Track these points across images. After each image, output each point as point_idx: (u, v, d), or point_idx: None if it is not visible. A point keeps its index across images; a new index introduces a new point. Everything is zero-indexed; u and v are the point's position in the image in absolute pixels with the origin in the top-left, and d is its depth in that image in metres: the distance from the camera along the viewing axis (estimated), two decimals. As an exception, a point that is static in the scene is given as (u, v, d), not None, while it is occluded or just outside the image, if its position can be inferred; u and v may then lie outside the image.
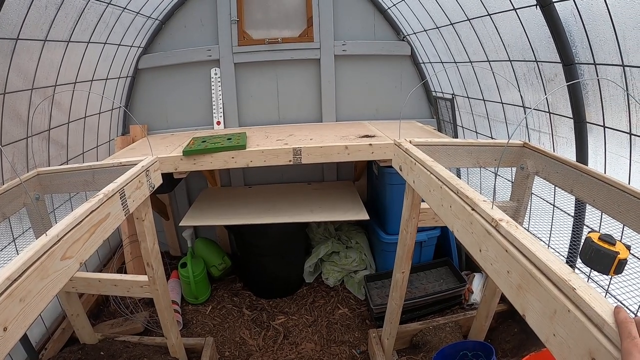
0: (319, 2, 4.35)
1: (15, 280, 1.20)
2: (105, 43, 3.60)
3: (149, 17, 4.04)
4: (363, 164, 4.51)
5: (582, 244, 1.42)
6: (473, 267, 4.07)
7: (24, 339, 2.86)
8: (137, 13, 3.76)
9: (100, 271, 4.09)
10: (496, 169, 2.89)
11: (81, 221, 1.60)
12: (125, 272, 4.08)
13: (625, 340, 0.85)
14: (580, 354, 0.95)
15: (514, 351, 3.11)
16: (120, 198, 1.99)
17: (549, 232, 2.93)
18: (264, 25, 4.48)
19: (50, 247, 1.39)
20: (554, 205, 2.84)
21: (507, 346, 3.19)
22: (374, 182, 4.43)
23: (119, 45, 3.86)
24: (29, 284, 1.25)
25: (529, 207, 2.57)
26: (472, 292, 3.73)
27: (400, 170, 2.38)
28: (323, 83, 4.57)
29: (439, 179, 1.77)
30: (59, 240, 1.44)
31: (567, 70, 2.36)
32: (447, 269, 4.02)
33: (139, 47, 4.32)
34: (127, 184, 2.08)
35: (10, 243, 2.81)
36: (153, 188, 2.47)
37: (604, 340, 0.89)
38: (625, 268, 1.37)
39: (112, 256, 4.37)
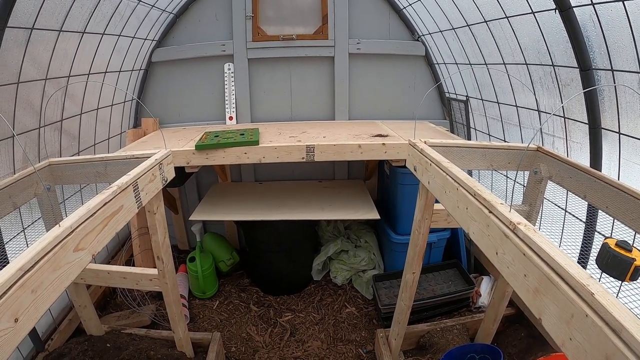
0: (335, 0, 4.34)
1: (28, 271, 1.19)
2: (119, 35, 3.62)
3: (163, 10, 4.05)
4: (374, 163, 4.50)
5: (599, 249, 1.41)
6: (481, 269, 4.06)
7: (31, 329, 2.87)
8: (152, 6, 3.77)
9: (109, 263, 4.11)
10: (516, 172, 2.88)
11: (95, 213, 1.60)
12: (134, 265, 4.09)
13: None
14: (597, 358, 0.94)
15: (521, 355, 3.10)
16: (134, 191, 2.00)
17: (560, 238, 2.92)
18: (279, 21, 4.49)
19: (64, 239, 1.39)
20: (565, 210, 2.83)
21: (514, 350, 3.17)
22: (385, 182, 4.42)
23: (133, 37, 3.87)
24: (41, 275, 1.25)
25: (540, 211, 2.56)
26: (480, 295, 3.71)
27: (415, 170, 2.37)
28: (336, 81, 4.57)
29: (455, 181, 1.76)
30: (72, 232, 1.44)
31: (584, 75, 2.34)
32: (455, 271, 4.00)
33: (153, 40, 4.33)
34: (140, 176, 2.08)
35: (20, 233, 2.82)
36: (166, 181, 2.47)
37: (622, 346, 0.88)
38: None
39: (121, 248, 4.38)
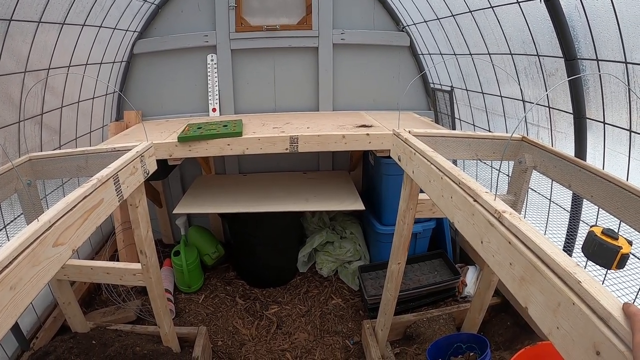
0: (319, -10, 4.31)
1: (6, 267, 1.16)
2: (100, 26, 3.55)
3: (145, 0, 3.99)
4: (359, 154, 4.49)
5: (585, 238, 1.41)
6: (467, 259, 4.08)
7: (15, 328, 2.84)
8: (134, -4, 3.72)
9: (92, 259, 4.06)
10: (500, 162, 2.88)
11: (74, 207, 1.57)
12: (118, 260, 4.05)
13: (637, 333, 0.84)
14: (584, 347, 0.94)
15: (507, 344, 3.12)
16: (114, 184, 1.96)
17: (545, 227, 2.93)
18: (262, 12, 4.43)
19: (42, 234, 1.35)
20: (550, 200, 2.84)
21: (500, 339, 3.20)
22: (370, 173, 4.42)
23: (114, 29, 3.80)
24: (20, 271, 1.22)
25: (525, 201, 2.57)
26: (466, 285, 3.73)
27: (399, 160, 2.36)
28: (320, 72, 4.54)
29: (439, 170, 1.75)
30: (51, 227, 1.41)
31: (569, 65, 2.34)
32: (441, 261, 4.02)
33: (135, 31, 4.27)
34: (121, 169, 2.04)
35: (1, 230, 2.78)
36: (148, 174, 2.44)
37: (609, 334, 0.88)
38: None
39: (105, 243, 4.33)
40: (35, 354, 2.82)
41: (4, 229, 2.79)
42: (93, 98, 3.95)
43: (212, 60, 4.44)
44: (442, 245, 4.19)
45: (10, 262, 1.18)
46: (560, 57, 2.38)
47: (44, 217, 1.41)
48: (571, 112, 2.44)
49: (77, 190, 1.65)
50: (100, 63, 3.87)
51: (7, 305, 1.15)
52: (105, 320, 3.53)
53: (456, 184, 1.59)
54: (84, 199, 1.64)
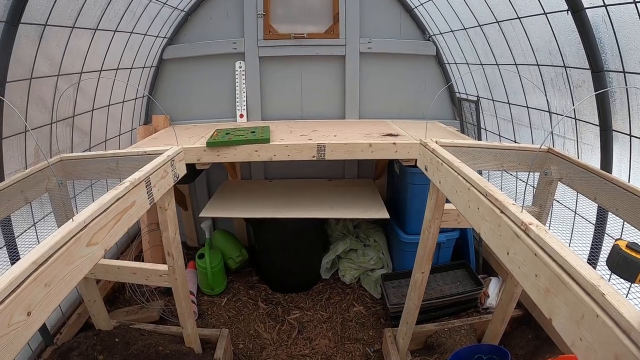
0: (346, -1, 4.35)
1: (41, 264, 1.20)
2: (131, 32, 3.65)
3: (175, 8, 4.07)
4: (384, 162, 4.50)
5: (610, 251, 1.41)
6: (490, 271, 4.05)
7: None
8: (164, 4, 3.79)
9: (118, 258, 4.13)
10: (527, 174, 2.87)
11: (107, 208, 1.62)
12: (142, 261, 4.11)
13: None
14: (606, 358, 0.95)
15: (528, 357, 3.09)
16: (146, 187, 2.01)
17: (569, 239, 2.91)
18: (290, 20, 4.49)
19: (77, 233, 1.40)
20: (575, 212, 2.82)
21: (521, 352, 3.17)
22: (395, 181, 4.42)
23: (145, 35, 3.90)
24: (55, 269, 1.25)
25: (550, 213, 2.55)
26: (488, 296, 3.71)
27: (426, 170, 2.37)
28: (347, 80, 4.57)
29: (467, 181, 1.76)
30: (85, 227, 1.45)
31: (595, 77, 2.33)
32: (464, 272, 4.00)
33: (165, 37, 4.36)
34: (152, 172, 2.09)
35: (30, 227, 2.86)
36: (177, 178, 2.49)
37: (631, 346, 0.89)
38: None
39: (130, 244, 4.41)
40: (58, 349, 2.88)
41: (33, 226, 2.87)
42: (123, 102, 4.04)
43: (240, 67, 4.50)
44: (465, 256, 4.17)
45: (46, 260, 1.22)
46: (587, 69, 2.38)
47: (79, 217, 1.45)
48: (597, 124, 2.43)
49: (111, 192, 1.70)
50: (131, 68, 3.96)
51: (41, 301, 1.19)
52: (129, 318, 3.59)
53: (483, 195, 1.60)
54: (117, 200, 1.69)
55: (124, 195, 1.76)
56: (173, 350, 2.95)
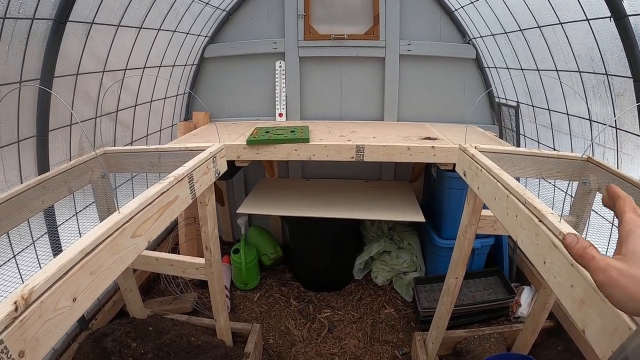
0: (386, 0, 4.34)
1: (88, 253, 1.24)
2: (174, 31, 3.73)
3: (217, 7, 4.14)
4: (421, 165, 4.48)
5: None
6: (523, 279, 4.01)
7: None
8: (207, 3, 3.86)
9: (154, 250, 4.21)
10: (568, 183, 2.83)
11: (152, 201, 1.66)
12: (178, 253, 4.19)
13: (628, 212, 0.82)
14: (640, 372, 0.94)
15: (558, 369, 3.06)
16: (189, 182, 2.06)
17: (605, 251, 2.86)
18: (329, 20, 4.51)
19: (123, 224, 1.44)
20: (612, 224, 2.77)
21: (551, 363, 3.14)
22: (432, 185, 4.41)
23: (187, 33, 3.98)
24: (100, 258, 1.30)
25: (587, 223, 2.51)
26: (520, 305, 3.67)
27: (464, 175, 2.36)
28: (386, 82, 4.56)
29: (506, 188, 1.75)
30: (130, 219, 1.49)
31: (637, 86, 2.28)
32: (496, 279, 3.95)
33: (206, 36, 4.43)
34: (195, 168, 2.14)
35: (72, 217, 2.96)
36: (219, 174, 2.53)
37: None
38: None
39: (167, 237, 4.50)
40: (93, 334, 2.97)
41: (74, 216, 2.97)
42: (165, 98, 4.13)
43: (280, 66, 4.54)
44: (499, 263, 4.12)
45: (93, 249, 1.27)
46: (629, 77, 2.33)
47: (125, 209, 1.50)
48: (638, 134, 2.39)
49: (155, 186, 1.75)
50: (173, 65, 4.04)
51: (86, 288, 1.23)
52: (163, 309, 3.69)
53: (522, 203, 1.59)
54: (161, 194, 1.74)
55: (168, 189, 1.80)
56: (205, 342, 3.00)
